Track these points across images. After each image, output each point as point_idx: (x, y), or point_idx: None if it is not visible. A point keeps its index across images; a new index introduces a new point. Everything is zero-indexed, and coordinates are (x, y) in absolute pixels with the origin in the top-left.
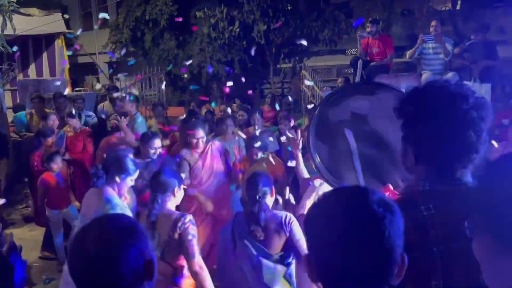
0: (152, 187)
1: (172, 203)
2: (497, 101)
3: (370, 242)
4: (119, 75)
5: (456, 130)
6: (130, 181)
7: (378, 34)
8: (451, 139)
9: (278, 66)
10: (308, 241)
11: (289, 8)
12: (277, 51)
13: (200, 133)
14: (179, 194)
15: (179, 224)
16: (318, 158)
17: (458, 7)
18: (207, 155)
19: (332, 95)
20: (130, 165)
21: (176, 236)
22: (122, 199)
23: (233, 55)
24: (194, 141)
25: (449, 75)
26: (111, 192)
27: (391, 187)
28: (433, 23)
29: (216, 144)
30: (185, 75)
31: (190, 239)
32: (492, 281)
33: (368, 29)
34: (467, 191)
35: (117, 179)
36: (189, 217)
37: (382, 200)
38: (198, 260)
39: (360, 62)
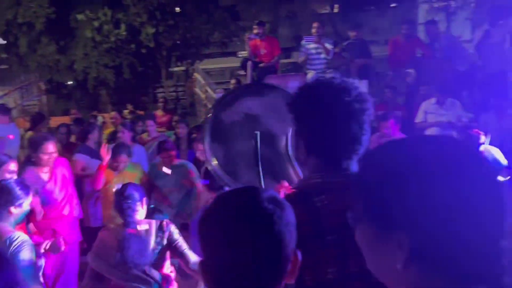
0: (122, 198)
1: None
2: (373, 95)
3: (258, 238)
4: None
5: (340, 122)
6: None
7: (265, 36)
8: (336, 131)
9: (170, 69)
10: (201, 247)
11: (177, 10)
12: (168, 54)
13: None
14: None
15: (164, 228)
16: (215, 161)
17: (336, 10)
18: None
19: (224, 97)
20: (18, 190)
21: (165, 241)
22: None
23: (121, 59)
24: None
25: (329, 74)
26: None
27: (286, 183)
28: (315, 24)
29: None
30: (70, 82)
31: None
32: (373, 266)
33: (255, 31)
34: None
35: (13, 210)
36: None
37: (272, 197)
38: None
39: (249, 63)
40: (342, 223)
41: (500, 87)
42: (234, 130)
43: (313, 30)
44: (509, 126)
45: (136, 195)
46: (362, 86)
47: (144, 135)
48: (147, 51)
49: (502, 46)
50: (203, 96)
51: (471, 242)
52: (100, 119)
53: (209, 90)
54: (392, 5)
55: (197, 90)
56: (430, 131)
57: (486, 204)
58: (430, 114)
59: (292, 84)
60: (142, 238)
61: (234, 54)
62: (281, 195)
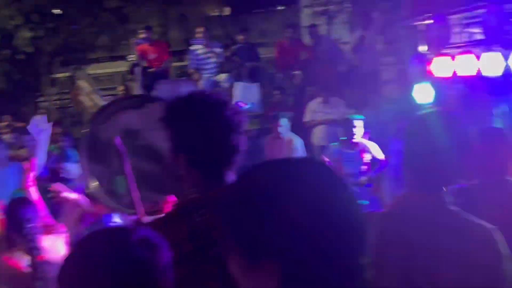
0: None
1: None
2: (264, 97)
3: None
4: None
5: (221, 135)
6: None
7: (153, 41)
8: (218, 144)
9: (53, 76)
10: None
11: (58, 12)
12: (50, 59)
13: None
14: None
15: None
16: (95, 183)
17: (226, 13)
18: None
19: (100, 112)
20: None
21: None
22: None
23: None
24: None
25: (222, 76)
26: None
27: (170, 198)
28: (199, 29)
29: None
30: None
31: None
32: None
33: (142, 36)
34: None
35: None
36: None
37: (145, 239)
38: None
39: (138, 69)
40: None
41: (374, 85)
42: (113, 147)
43: (198, 35)
44: (386, 121)
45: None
46: (253, 88)
47: (22, 151)
48: (25, 57)
49: (374, 48)
50: (89, 104)
51: (336, 259)
52: None
53: (95, 98)
54: (280, 7)
55: (82, 98)
56: (318, 129)
57: (347, 223)
58: (317, 113)
59: (185, 89)
60: None
61: (123, 58)
62: (168, 210)
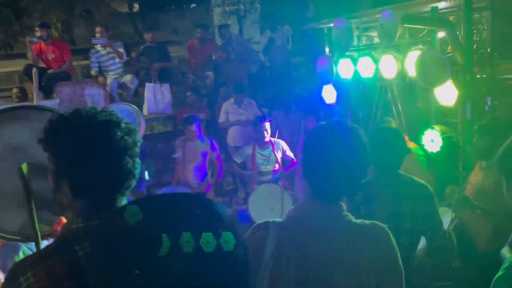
0: None
1: None
2: (177, 99)
3: None
4: None
5: (112, 158)
6: None
7: (51, 39)
8: (108, 168)
9: None
10: None
11: None
12: None
13: None
14: None
15: None
16: None
17: (135, 10)
18: None
19: None
20: None
21: None
22: None
23: None
24: None
25: (128, 77)
26: None
27: (64, 219)
28: (98, 29)
29: None
30: None
31: None
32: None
33: (38, 34)
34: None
35: None
36: None
37: None
38: None
39: (34, 70)
40: (111, 271)
41: (285, 85)
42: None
43: (97, 35)
44: (295, 121)
45: None
46: (164, 89)
47: None
48: None
49: (284, 49)
50: None
51: None
52: None
53: None
54: (192, 5)
55: None
56: (232, 129)
57: None
58: (230, 113)
59: (89, 91)
60: None
61: (23, 56)
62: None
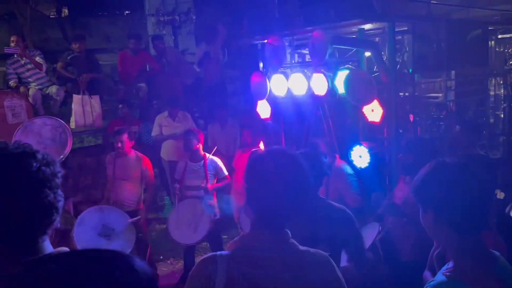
0: None
1: None
2: (109, 112)
3: None
4: None
5: (29, 193)
6: None
7: None
8: (26, 205)
9: None
10: None
11: None
12: None
13: None
14: None
15: None
16: None
17: (64, 14)
18: None
19: None
20: None
21: None
22: None
23: None
24: None
25: (53, 89)
26: None
27: None
28: (13, 38)
29: None
30: None
31: None
32: None
33: None
34: (50, 269)
35: None
36: None
37: None
38: None
39: None
40: None
41: (221, 98)
42: None
43: (12, 44)
44: (231, 134)
45: None
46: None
47: None
48: None
49: (219, 61)
50: None
51: None
52: None
53: None
54: (126, 12)
55: None
56: (166, 143)
57: None
58: (164, 127)
59: (9, 103)
60: None
61: None
62: None
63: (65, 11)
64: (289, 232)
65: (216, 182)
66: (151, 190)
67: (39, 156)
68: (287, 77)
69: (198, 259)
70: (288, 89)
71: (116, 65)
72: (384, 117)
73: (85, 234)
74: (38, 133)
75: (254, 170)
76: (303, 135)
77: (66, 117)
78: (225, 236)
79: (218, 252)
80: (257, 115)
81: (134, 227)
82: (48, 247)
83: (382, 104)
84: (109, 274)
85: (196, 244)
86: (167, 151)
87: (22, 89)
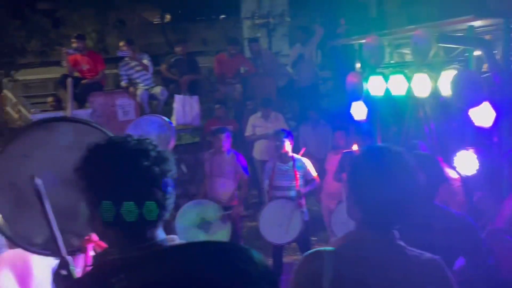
0: None
1: None
2: (206, 112)
3: None
4: None
5: (139, 189)
6: None
7: (86, 51)
8: (135, 201)
9: None
10: None
11: None
12: None
13: None
14: None
15: None
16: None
17: (167, 20)
18: None
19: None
20: None
21: None
22: None
23: None
24: None
25: (158, 89)
26: None
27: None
28: (121, 43)
29: None
30: None
31: None
32: None
33: (74, 45)
34: (161, 253)
35: None
36: None
37: None
38: None
39: (69, 80)
40: None
41: (313, 99)
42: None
43: (122, 48)
44: (323, 136)
45: None
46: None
47: None
48: None
49: (312, 63)
50: (16, 116)
51: None
52: None
53: (22, 109)
54: (222, 16)
55: (8, 109)
56: (259, 143)
57: None
58: (257, 127)
59: (121, 102)
60: None
61: (57, 63)
62: (89, 251)
63: (168, 17)
64: (397, 233)
65: (305, 184)
66: (245, 187)
67: (153, 154)
68: (386, 77)
69: (286, 260)
70: (386, 89)
71: (213, 67)
72: (495, 121)
73: (185, 226)
74: (146, 129)
75: (361, 168)
76: (401, 137)
77: (167, 116)
78: (314, 238)
79: (322, 248)
80: (351, 116)
81: (229, 222)
82: (161, 233)
83: (494, 107)
84: (235, 265)
85: (287, 244)
86: (259, 150)
87: (131, 89)
